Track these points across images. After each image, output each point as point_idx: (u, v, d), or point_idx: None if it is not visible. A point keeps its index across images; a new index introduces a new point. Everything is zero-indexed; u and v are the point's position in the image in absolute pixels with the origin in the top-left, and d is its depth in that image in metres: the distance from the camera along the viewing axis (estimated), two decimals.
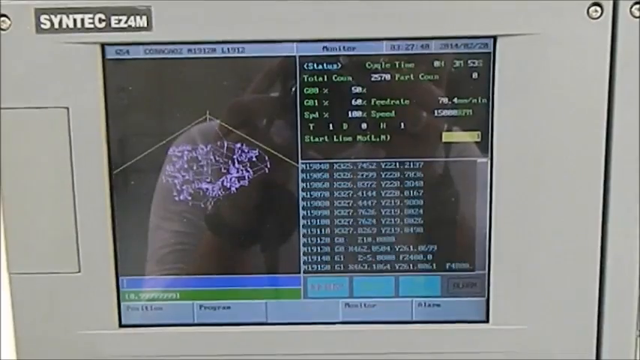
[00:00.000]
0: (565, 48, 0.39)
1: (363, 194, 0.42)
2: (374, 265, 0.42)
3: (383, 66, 0.40)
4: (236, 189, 0.42)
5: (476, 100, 0.40)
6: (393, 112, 0.41)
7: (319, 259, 0.42)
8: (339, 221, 0.42)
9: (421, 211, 0.42)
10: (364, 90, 0.40)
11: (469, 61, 0.40)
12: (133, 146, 0.41)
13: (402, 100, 0.41)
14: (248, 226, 0.43)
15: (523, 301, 0.41)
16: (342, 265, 0.43)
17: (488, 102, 0.40)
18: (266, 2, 0.39)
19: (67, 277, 0.42)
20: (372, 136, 0.41)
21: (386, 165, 0.41)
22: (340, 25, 0.39)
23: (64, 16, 0.39)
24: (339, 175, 0.42)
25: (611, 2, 0.38)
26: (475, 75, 0.40)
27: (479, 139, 0.41)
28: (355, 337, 0.43)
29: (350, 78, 0.40)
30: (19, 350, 0.43)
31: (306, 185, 0.42)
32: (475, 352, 0.42)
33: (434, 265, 0.42)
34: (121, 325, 0.43)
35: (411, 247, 0.42)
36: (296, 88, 0.40)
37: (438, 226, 0.42)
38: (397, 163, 0.41)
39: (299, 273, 0.43)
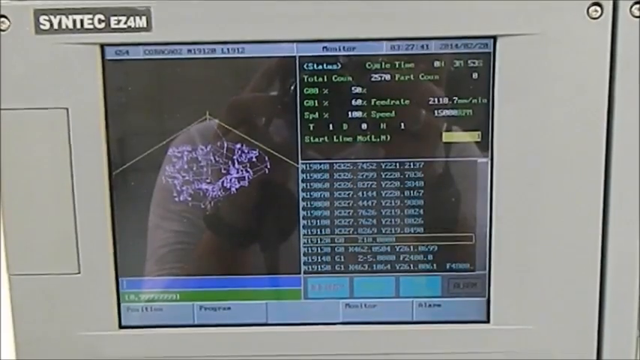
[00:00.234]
0: (565, 48, 0.39)
1: (363, 194, 0.42)
2: (374, 266, 0.42)
3: (383, 66, 0.40)
4: (236, 189, 0.42)
5: (476, 100, 0.40)
6: (393, 112, 0.41)
7: (319, 260, 0.42)
8: (340, 221, 0.42)
9: (421, 211, 0.42)
10: (364, 90, 0.40)
11: (469, 61, 0.40)
12: (133, 147, 0.41)
13: (402, 101, 0.41)
14: (248, 226, 0.43)
15: (524, 301, 0.41)
16: (342, 266, 0.43)
17: (489, 102, 0.40)
18: (266, 2, 0.39)
19: (66, 278, 0.41)
20: (372, 137, 0.41)
21: (386, 165, 0.41)
22: (340, 25, 0.39)
23: (64, 17, 0.39)
24: (340, 175, 0.42)
25: (611, 2, 0.38)
26: (475, 75, 0.40)
27: (479, 139, 0.41)
28: (356, 338, 0.42)
29: (350, 78, 0.40)
30: (18, 351, 0.42)
31: (306, 185, 0.42)
32: (476, 353, 0.42)
33: (434, 265, 0.42)
34: (120, 326, 0.43)
35: (412, 247, 0.42)
36: (295, 88, 0.40)
37: (439, 227, 0.42)
38: (397, 164, 0.41)
39: (299, 273, 0.43)
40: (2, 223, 0.41)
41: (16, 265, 0.42)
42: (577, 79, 0.39)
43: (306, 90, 0.40)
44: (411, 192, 0.42)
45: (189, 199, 0.42)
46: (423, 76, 0.40)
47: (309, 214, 0.42)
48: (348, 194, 0.42)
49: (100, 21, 0.39)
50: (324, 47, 0.40)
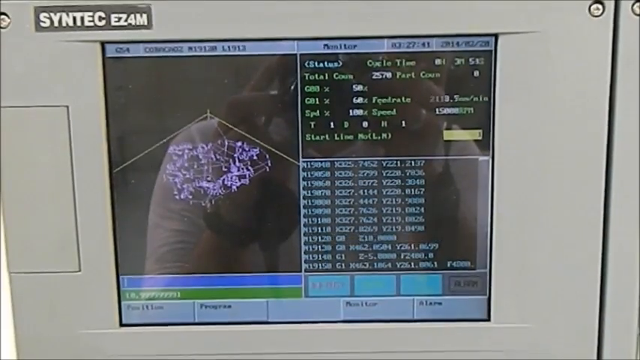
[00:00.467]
0: (566, 46, 0.39)
1: (364, 192, 0.42)
2: (375, 264, 0.42)
3: (384, 64, 0.40)
4: (237, 187, 0.42)
5: (477, 98, 0.40)
6: (394, 110, 0.41)
7: (320, 258, 0.42)
8: (340, 220, 0.42)
9: (422, 209, 0.42)
10: (365, 88, 0.40)
11: (470, 59, 0.40)
12: (134, 145, 0.41)
13: (403, 99, 0.40)
14: (249, 224, 0.43)
15: (524, 299, 0.41)
16: (343, 264, 0.43)
17: (490, 100, 0.40)
18: (266, 0, 0.39)
19: (67, 276, 0.41)
20: (373, 135, 0.41)
21: (387, 163, 0.41)
22: (341, 23, 0.39)
23: (64, 14, 0.39)
24: (340, 173, 0.42)
25: (613, 0, 0.38)
26: (476, 73, 0.40)
27: (480, 138, 0.41)
28: (356, 336, 0.42)
29: (351, 76, 0.40)
30: (19, 350, 0.42)
31: (307, 184, 0.42)
32: (476, 351, 0.42)
33: (435, 263, 0.42)
34: (121, 325, 0.43)
35: (413, 245, 0.42)
36: (296, 85, 0.40)
37: (440, 225, 0.42)
38: (398, 162, 0.41)
39: (300, 272, 0.43)
40: (2, 221, 0.41)
41: (17, 263, 0.41)
42: (578, 77, 0.39)
43: (307, 88, 0.40)
44: (412, 190, 0.42)
45: (190, 197, 0.42)
46: (424, 74, 0.40)
47: (309, 212, 0.42)
48: (349, 192, 0.42)
49: (100, 18, 0.39)
50: (325, 45, 0.40)
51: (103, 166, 0.41)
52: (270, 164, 0.41)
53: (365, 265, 0.43)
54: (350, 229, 0.42)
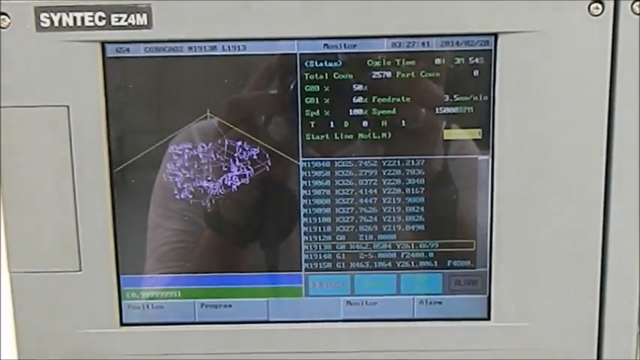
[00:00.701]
0: (566, 45, 0.39)
1: (364, 192, 0.42)
2: (375, 263, 0.42)
3: (384, 63, 0.40)
4: (237, 187, 0.42)
5: (477, 98, 0.40)
6: (394, 109, 0.41)
7: (320, 257, 0.42)
8: (340, 219, 0.42)
9: (422, 208, 0.42)
10: (365, 88, 0.40)
11: (470, 59, 0.40)
12: (134, 144, 0.41)
13: (402, 98, 0.41)
14: (249, 224, 0.43)
15: (524, 298, 0.41)
16: (343, 263, 0.43)
17: (489, 99, 0.40)
18: (266, 0, 0.39)
19: (67, 275, 0.41)
20: (373, 134, 0.41)
21: (387, 163, 0.41)
22: (341, 22, 0.39)
23: (64, 14, 0.39)
24: (340, 172, 0.42)
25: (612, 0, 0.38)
26: (476, 72, 0.40)
27: (480, 137, 0.41)
28: (357, 335, 0.43)
29: (351, 76, 0.40)
30: (19, 349, 0.42)
31: (307, 183, 0.42)
32: (476, 350, 0.42)
33: (435, 262, 0.42)
34: (122, 324, 0.43)
35: (413, 244, 0.42)
36: (296, 85, 0.40)
37: (440, 224, 0.42)
38: (398, 161, 0.41)
39: (300, 271, 0.43)
40: (3, 221, 0.41)
41: (17, 262, 0.42)
42: (578, 77, 0.39)
43: (307, 87, 0.40)
44: (412, 189, 0.42)
45: (190, 196, 0.42)
46: (423, 74, 0.40)
47: (310, 212, 0.42)
48: (349, 192, 0.42)
49: (100, 18, 0.39)
50: (324, 45, 0.40)
51: (104, 165, 0.41)
52: (270, 164, 0.41)
53: (365, 265, 0.43)
54: (350, 229, 0.42)
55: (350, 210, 0.42)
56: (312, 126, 0.41)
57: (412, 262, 0.42)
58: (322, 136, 0.41)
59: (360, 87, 0.40)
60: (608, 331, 0.42)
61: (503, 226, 0.41)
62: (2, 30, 0.39)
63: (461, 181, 0.41)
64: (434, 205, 0.42)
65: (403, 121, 0.41)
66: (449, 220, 0.42)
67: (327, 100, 0.41)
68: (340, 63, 0.40)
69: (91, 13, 0.39)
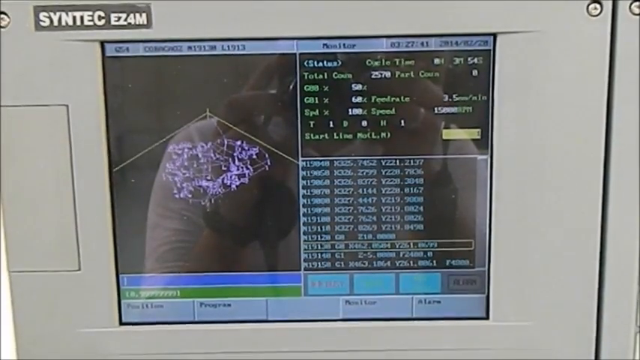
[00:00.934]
0: (565, 45, 0.39)
1: (363, 191, 0.42)
2: (374, 263, 0.43)
3: (383, 63, 0.40)
4: (236, 186, 0.42)
5: (476, 98, 0.40)
6: (393, 109, 0.41)
7: (320, 257, 0.43)
8: (340, 218, 0.42)
9: (421, 208, 0.42)
10: (364, 87, 0.40)
11: (469, 59, 0.40)
12: (133, 144, 0.41)
13: (402, 98, 0.41)
14: (248, 223, 0.43)
15: (523, 298, 0.42)
16: (342, 263, 0.43)
17: (488, 99, 0.40)
18: (266, 0, 0.39)
19: (67, 275, 0.41)
20: (372, 134, 0.41)
21: (386, 162, 0.41)
22: (340, 22, 0.39)
23: (64, 14, 0.39)
24: (340, 172, 0.42)
25: (611, 0, 0.38)
26: (475, 72, 0.40)
27: (479, 137, 0.41)
28: (356, 334, 0.43)
29: (350, 75, 0.40)
30: (19, 349, 0.42)
31: (307, 183, 0.42)
32: (475, 349, 0.42)
33: (434, 262, 0.42)
34: (121, 323, 0.43)
35: (411, 244, 0.42)
36: (295, 85, 0.40)
37: (438, 223, 0.42)
38: (397, 161, 0.41)
39: (299, 270, 0.43)
40: (2, 220, 0.41)
41: (17, 262, 0.42)
42: (577, 77, 0.39)
43: (307, 87, 0.40)
44: (411, 189, 0.42)
45: (190, 196, 0.42)
46: (422, 74, 0.40)
47: (309, 211, 0.42)
48: (348, 191, 0.42)
49: (100, 18, 0.39)
50: (324, 44, 0.40)
51: (103, 165, 0.41)
52: (269, 163, 0.41)
53: (364, 264, 0.43)
54: (349, 228, 0.42)
55: (349, 209, 0.42)
56: (312, 126, 0.41)
57: (411, 262, 0.43)
58: (321, 136, 0.41)
59: (359, 87, 0.40)
60: (606, 331, 0.42)
61: (501, 226, 0.41)
62: (2, 29, 0.39)
63: (460, 180, 0.42)
64: (433, 205, 0.42)
65: (402, 121, 0.41)
66: (448, 219, 0.42)
67: (326, 100, 0.41)
68: (339, 63, 0.40)
69: (90, 13, 0.39)
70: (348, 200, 0.42)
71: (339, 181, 0.42)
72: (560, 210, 0.40)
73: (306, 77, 0.40)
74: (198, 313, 0.43)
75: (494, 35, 0.39)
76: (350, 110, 0.41)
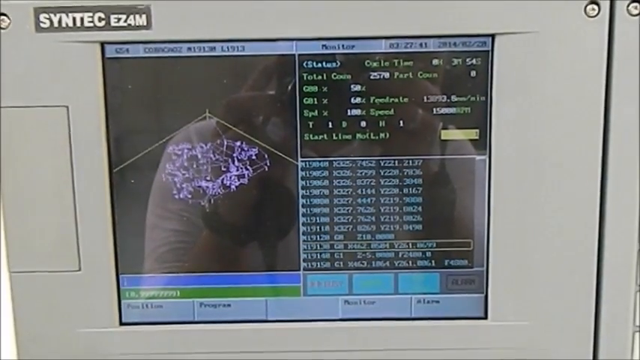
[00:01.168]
0: (562, 46, 0.39)
1: (362, 192, 0.42)
2: (373, 263, 0.43)
3: (382, 64, 0.40)
4: (236, 187, 0.42)
5: (474, 98, 0.41)
6: (392, 110, 0.41)
7: (319, 257, 0.43)
8: (339, 219, 0.42)
9: (420, 208, 0.42)
10: (363, 88, 0.41)
11: (467, 60, 0.40)
12: (133, 145, 0.41)
13: (400, 98, 0.41)
14: (248, 223, 0.43)
15: (521, 298, 0.42)
16: (341, 263, 0.43)
17: (487, 100, 0.40)
18: (265, 1, 0.39)
19: (67, 275, 0.42)
20: (371, 134, 0.41)
21: (385, 163, 0.42)
22: (339, 23, 0.39)
23: (64, 15, 0.39)
24: (339, 172, 0.42)
25: (608, 1, 0.39)
26: (473, 73, 0.40)
27: (477, 137, 0.41)
28: (355, 334, 0.43)
29: (349, 76, 0.41)
30: (19, 349, 0.43)
31: (306, 183, 0.42)
32: (474, 349, 0.43)
33: (433, 262, 0.43)
34: (121, 323, 0.43)
35: (410, 244, 0.42)
36: (294, 85, 0.41)
37: (437, 224, 0.42)
38: (396, 161, 0.42)
39: (299, 270, 0.43)
40: (3, 221, 0.41)
41: (17, 262, 0.42)
42: (574, 77, 0.39)
43: (306, 88, 0.41)
44: (410, 189, 0.42)
45: (189, 196, 0.42)
46: (421, 74, 0.41)
47: (308, 212, 0.42)
48: (347, 192, 0.42)
49: (100, 19, 0.39)
50: (323, 45, 0.40)
51: (103, 165, 0.41)
52: (268, 164, 0.42)
53: (363, 264, 0.43)
54: (348, 228, 0.42)
55: (348, 210, 0.42)
56: (311, 126, 0.41)
57: (410, 262, 0.43)
58: (320, 137, 0.41)
59: (358, 87, 0.41)
60: (604, 331, 0.42)
61: (500, 226, 0.41)
62: (2, 30, 0.39)
63: (458, 181, 0.42)
64: (431, 205, 0.42)
65: (401, 122, 0.41)
66: (446, 219, 0.42)
67: (325, 101, 0.41)
68: (338, 63, 0.40)
69: (90, 14, 0.39)
70: (347, 200, 0.42)
71: (338, 182, 0.42)
72: (558, 210, 0.41)
73: (305, 78, 0.40)
74: (198, 313, 0.43)
75: (493, 36, 0.39)
76: (349, 111, 0.41)
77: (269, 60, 0.40)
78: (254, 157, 0.41)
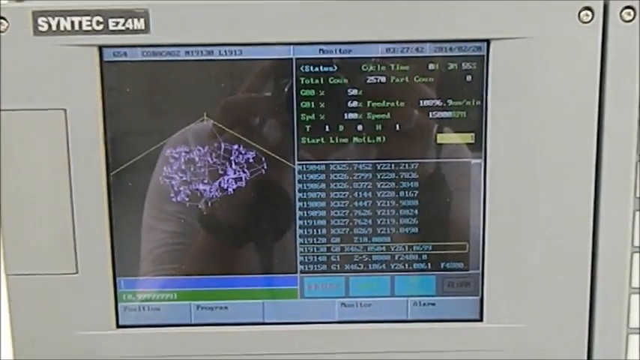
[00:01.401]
0: (557, 51, 0.39)
1: (358, 195, 0.42)
2: (369, 265, 0.43)
3: (378, 68, 0.41)
4: (233, 190, 0.42)
5: (470, 102, 0.41)
6: (389, 113, 0.41)
7: (315, 259, 0.43)
8: (335, 222, 0.42)
9: (416, 211, 0.42)
10: (360, 92, 0.41)
11: (463, 64, 0.41)
12: (131, 148, 0.42)
13: (397, 102, 0.41)
14: (245, 226, 0.43)
15: (516, 300, 0.42)
16: (338, 265, 0.43)
17: (482, 104, 0.41)
18: (263, 5, 0.39)
19: (64, 278, 0.42)
20: (368, 138, 0.41)
21: (381, 166, 0.42)
22: (336, 27, 0.40)
23: (62, 19, 0.39)
24: (335, 176, 0.42)
25: (602, 6, 0.39)
26: (469, 77, 0.41)
27: (472, 141, 0.41)
28: (351, 337, 0.43)
29: (346, 80, 0.41)
30: (16, 351, 0.43)
31: (303, 186, 0.42)
32: (469, 351, 0.43)
33: (429, 264, 0.43)
34: (118, 326, 0.43)
35: (406, 247, 0.43)
36: (291, 89, 0.41)
37: (433, 227, 0.43)
38: (392, 165, 0.42)
39: (295, 273, 0.43)
40: (0, 224, 0.41)
41: (14, 264, 0.42)
42: (568, 82, 0.40)
43: (303, 92, 0.41)
44: (406, 192, 0.42)
45: (187, 199, 0.42)
46: (417, 79, 0.41)
47: (305, 215, 0.42)
48: (344, 195, 0.42)
49: (98, 23, 0.39)
50: (320, 50, 0.40)
51: (101, 168, 0.41)
52: (266, 167, 0.42)
53: (360, 267, 0.43)
54: (345, 231, 0.43)
55: (345, 213, 0.42)
56: (308, 130, 0.41)
57: (406, 264, 0.43)
58: (317, 140, 0.41)
59: (354, 91, 0.41)
60: (598, 332, 0.42)
61: (495, 229, 0.41)
62: (0, 34, 0.39)
63: (454, 184, 0.42)
64: (427, 208, 0.42)
65: (397, 125, 0.41)
66: (442, 222, 0.43)
67: (322, 104, 0.41)
68: (335, 68, 0.41)
69: (88, 18, 0.39)
70: (344, 203, 0.42)
71: (335, 185, 0.42)
72: (553, 213, 0.41)
73: (302, 82, 0.41)
74: (195, 315, 0.43)
75: (488, 41, 0.40)
76: (346, 114, 0.41)
77: (266, 64, 0.41)
78: (251, 160, 0.42)
